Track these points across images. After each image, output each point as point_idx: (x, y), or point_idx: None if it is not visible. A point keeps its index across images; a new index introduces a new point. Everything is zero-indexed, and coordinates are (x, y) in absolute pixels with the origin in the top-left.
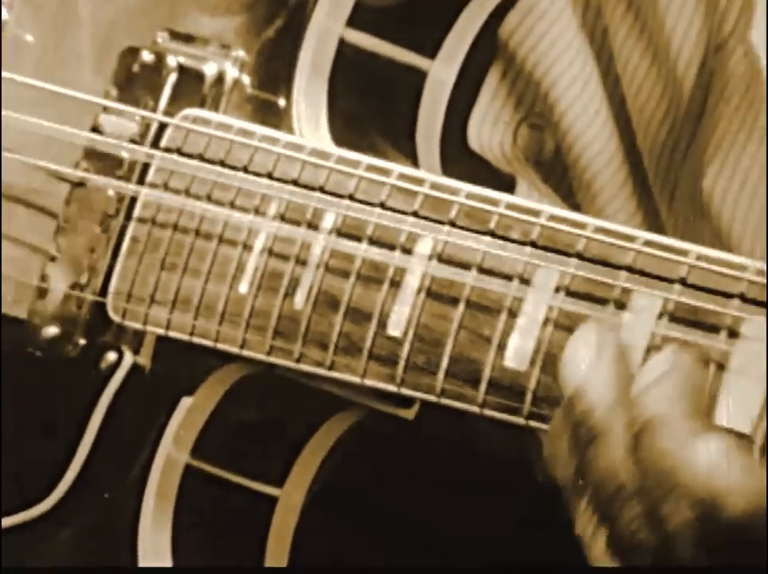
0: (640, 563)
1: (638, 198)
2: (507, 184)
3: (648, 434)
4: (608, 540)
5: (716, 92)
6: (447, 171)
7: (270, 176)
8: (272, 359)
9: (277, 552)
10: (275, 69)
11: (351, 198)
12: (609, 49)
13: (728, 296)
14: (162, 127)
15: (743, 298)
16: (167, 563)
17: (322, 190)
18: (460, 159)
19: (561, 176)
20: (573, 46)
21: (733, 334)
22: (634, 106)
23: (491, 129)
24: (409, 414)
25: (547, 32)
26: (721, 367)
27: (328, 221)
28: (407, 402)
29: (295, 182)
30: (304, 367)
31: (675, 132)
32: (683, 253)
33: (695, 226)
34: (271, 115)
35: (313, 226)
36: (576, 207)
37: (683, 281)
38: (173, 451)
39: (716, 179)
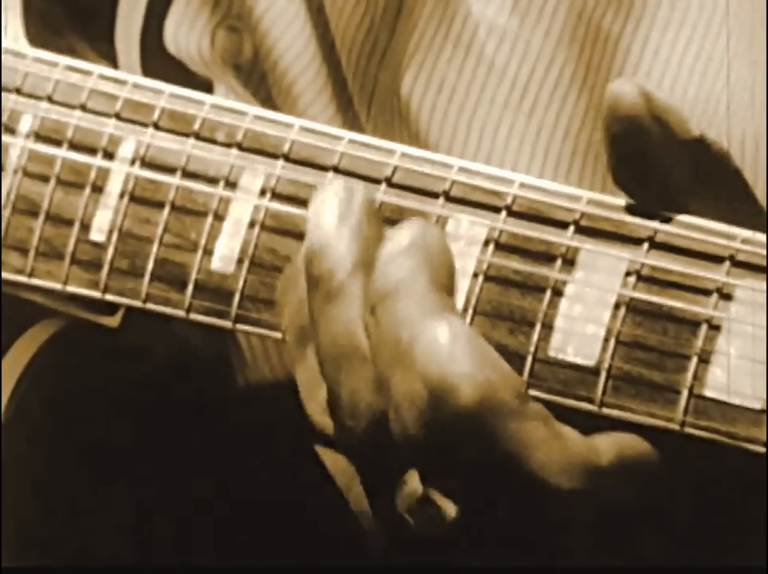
0: (353, 426)
1: (337, 102)
2: (204, 88)
3: (387, 303)
4: (327, 399)
5: None
6: (147, 74)
7: None
8: None
9: None
10: None
11: (50, 100)
12: None
13: (433, 195)
14: None
15: (448, 197)
16: None
17: (18, 91)
18: (160, 62)
19: (260, 80)
20: None
21: None
22: (333, 8)
23: (187, 32)
24: (113, 321)
25: None
26: None
27: (25, 124)
28: (111, 310)
29: None
30: (4, 274)
31: (372, 36)
32: (389, 153)
33: (393, 130)
34: None
35: (9, 129)
36: (275, 111)
37: (388, 181)
38: None
39: (414, 84)
